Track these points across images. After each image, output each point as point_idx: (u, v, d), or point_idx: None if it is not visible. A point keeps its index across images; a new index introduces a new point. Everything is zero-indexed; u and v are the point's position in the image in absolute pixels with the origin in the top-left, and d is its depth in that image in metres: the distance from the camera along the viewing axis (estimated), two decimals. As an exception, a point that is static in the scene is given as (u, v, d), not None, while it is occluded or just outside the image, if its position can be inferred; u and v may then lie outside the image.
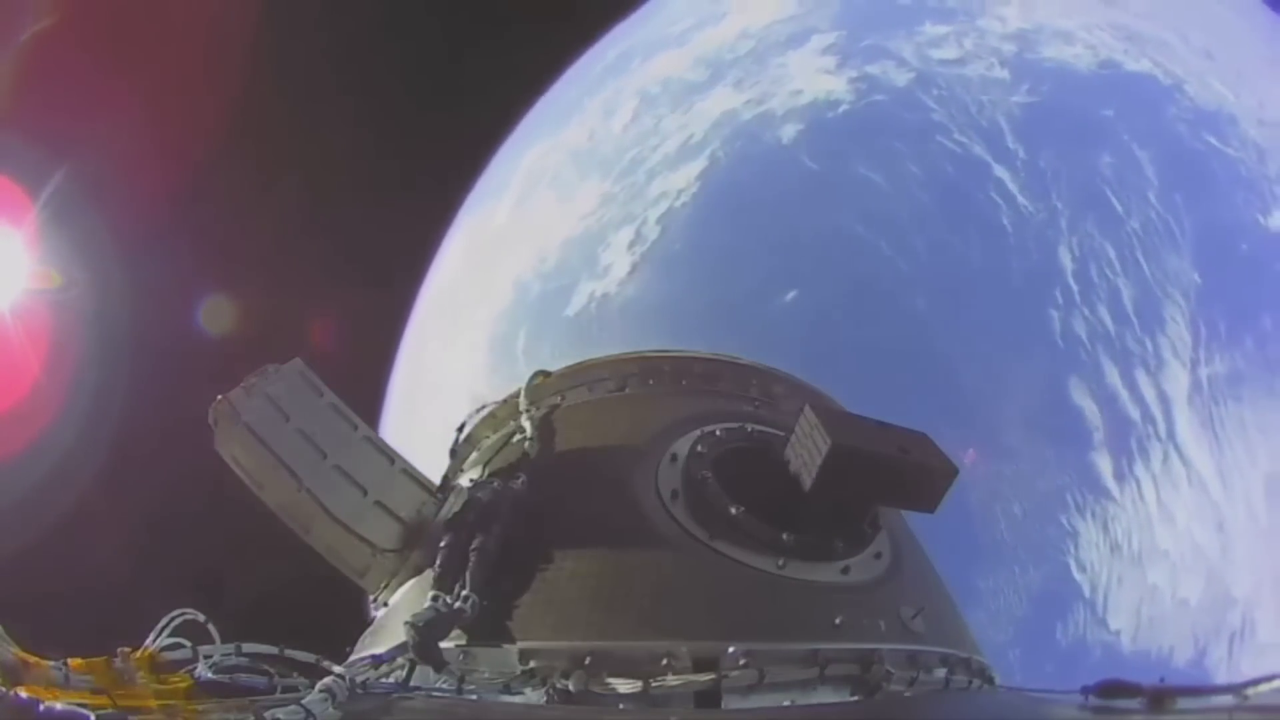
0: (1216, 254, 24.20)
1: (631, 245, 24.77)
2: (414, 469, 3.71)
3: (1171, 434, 22.69)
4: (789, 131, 25.05)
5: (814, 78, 25.92)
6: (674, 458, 2.99)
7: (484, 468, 3.63)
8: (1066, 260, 23.60)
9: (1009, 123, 24.90)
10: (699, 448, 3.01)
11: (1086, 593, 21.48)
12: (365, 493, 3.42)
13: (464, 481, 3.57)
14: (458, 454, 4.25)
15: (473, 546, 2.61)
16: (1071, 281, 23.41)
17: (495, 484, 3.03)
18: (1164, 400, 22.88)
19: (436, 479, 3.74)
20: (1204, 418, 22.73)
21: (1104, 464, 22.28)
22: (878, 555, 2.77)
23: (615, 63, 29.79)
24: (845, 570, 2.59)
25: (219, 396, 3.27)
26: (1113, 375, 22.87)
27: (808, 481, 2.54)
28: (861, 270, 22.95)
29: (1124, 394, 22.78)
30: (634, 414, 3.56)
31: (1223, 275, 24.09)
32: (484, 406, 4.31)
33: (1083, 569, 21.65)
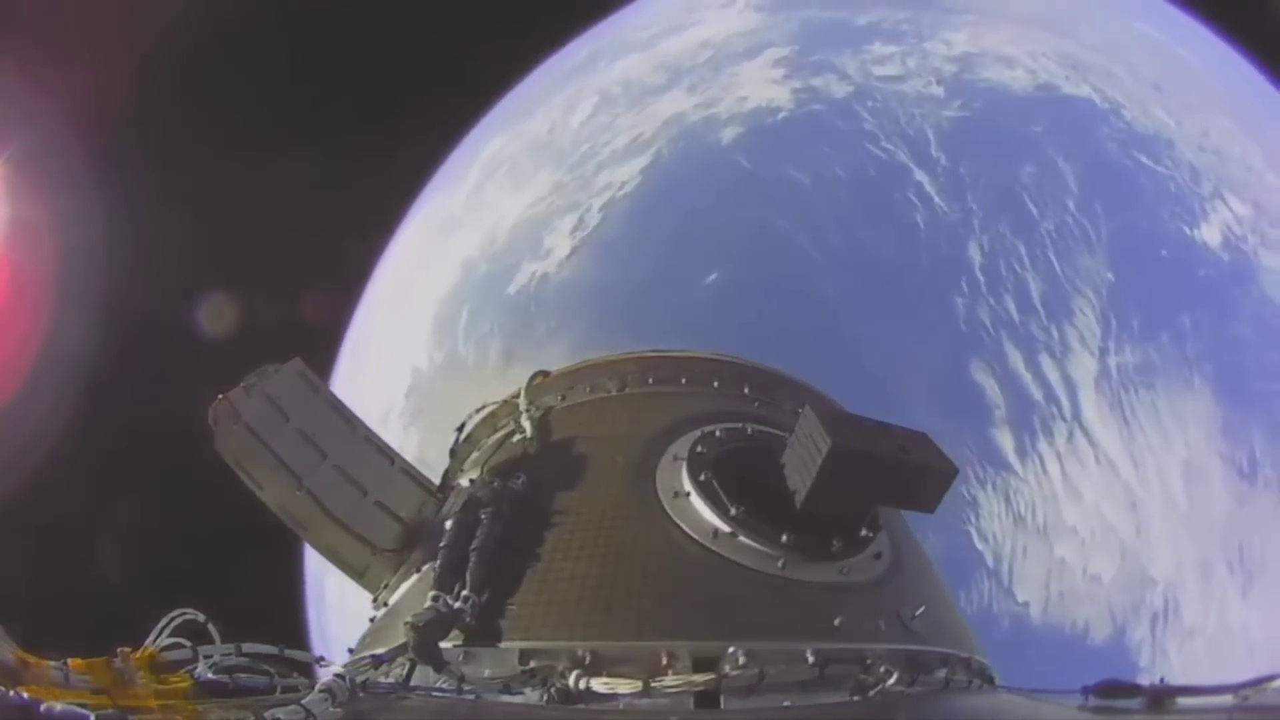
0: (1134, 258, 25.37)
1: (574, 230, 26.86)
2: (414, 469, 3.72)
3: (1077, 415, 23.53)
4: (730, 133, 27.31)
5: (761, 86, 28.13)
6: (674, 458, 2.99)
7: (484, 468, 3.63)
8: (975, 255, 25.01)
9: (936, 134, 26.72)
10: (699, 448, 3.01)
11: (990, 563, 22.24)
12: (365, 493, 3.42)
13: (464, 481, 3.56)
14: (458, 454, 4.25)
15: (473, 546, 2.61)
16: (979, 274, 24.76)
17: (495, 483, 3.02)
18: (1069, 384, 23.80)
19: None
20: (1112, 402, 23.60)
21: (1005, 440, 23.19)
22: (878, 555, 2.77)
23: (584, 62, 32.03)
24: (845, 570, 2.59)
25: (219, 396, 3.27)
26: (1016, 359, 23.94)
27: (808, 482, 2.54)
28: (779, 258, 24.87)
29: (1027, 376, 23.81)
30: (634, 414, 3.56)
31: (1140, 276, 25.23)
32: (484, 406, 4.31)
33: (985, 539, 22.49)
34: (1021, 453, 22.98)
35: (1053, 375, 23.87)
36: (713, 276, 24.53)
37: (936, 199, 25.64)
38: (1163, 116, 27.26)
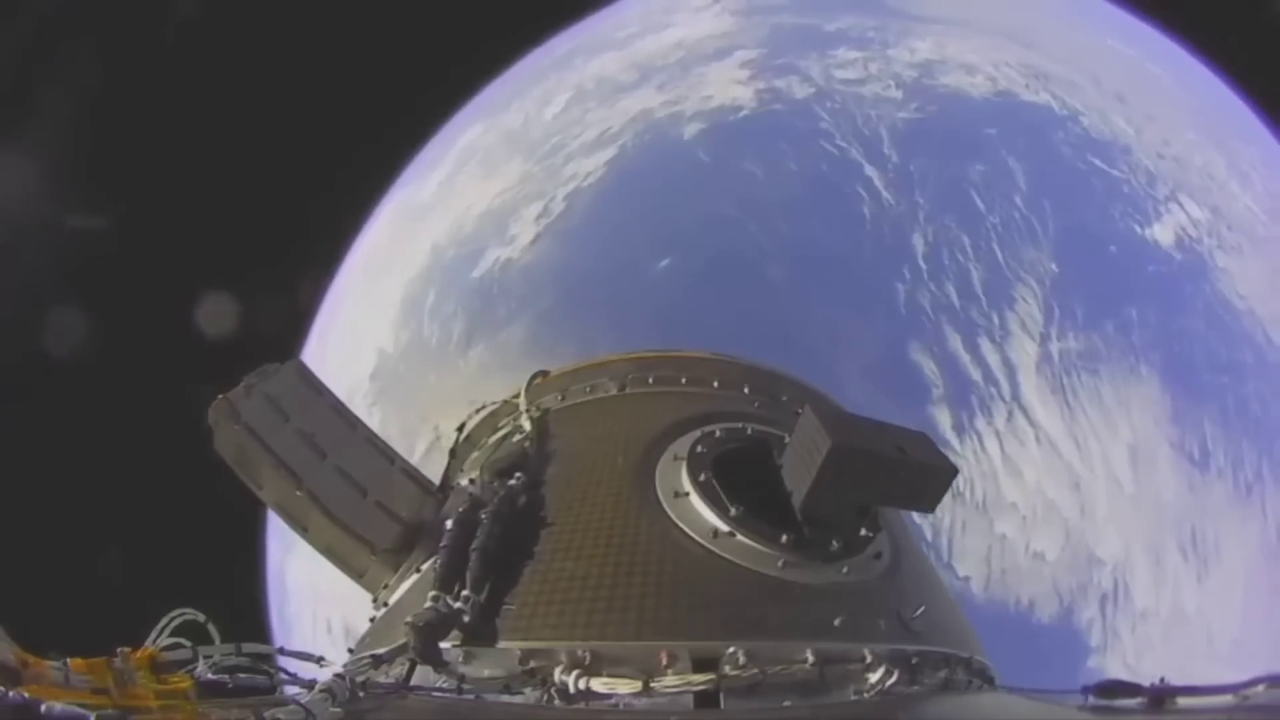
0: (1081, 252, 26.10)
1: (539, 218, 28.23)
2: (414, 469, 3.72)
3: (1016, 396, 24.09)
4: (692, 129, 28.77)
5: (726, 86, 29.64)
6: (674, 458, 2.99)
7: (484, 468, 3.63)
8: (919, 244, 25.89)
9: (890, 133, 27.86)
10: (699, 448, 3.01)
11: (929, 536, 22.32)
12: (365, 493, 3.42)
13: (464, 481, 3.57)
14: (458, 454, 4.25)
15: (473, 546, 2.61)
16: (921, 262, 25.63)
17: (495, 484, 3.02)
18: (1009, 366, 24.43)
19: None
20: (1054, 385, 24.10)
21: (943, 417, 23.74)
22: (877, 555, 2.77)
23: (562, 58, 33.94)
24: (845, 571, 2.60)
25: (219, 396, 3.27)
26: (955, 341, 24.57)
27: (807, 482, 2.54)
28: (728, 245, 26.27)
29: (965, 358, 24.42)
30: (633, 414, 3.56)
31: (1086, 269, 25.91)
32: (484, 406, 4.31)
33: (921, 514, 22.70)
34: (959, 430, 23.59)
35: (992, 358, 24.59)
36: (665, 261, 26.03)
37: (884, 193, 26.80)
38: (1122, 125, 28.25)
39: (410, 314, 28.26)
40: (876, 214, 26.39)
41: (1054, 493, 22.74)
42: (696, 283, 25.40)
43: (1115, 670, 21.02)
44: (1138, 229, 25.89)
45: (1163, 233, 25.94)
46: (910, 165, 27.17)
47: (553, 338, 24.24)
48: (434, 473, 3.98)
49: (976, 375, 24.13)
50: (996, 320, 24.84)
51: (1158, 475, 22.72)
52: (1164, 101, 29.91)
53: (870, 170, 27.11)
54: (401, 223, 31.83)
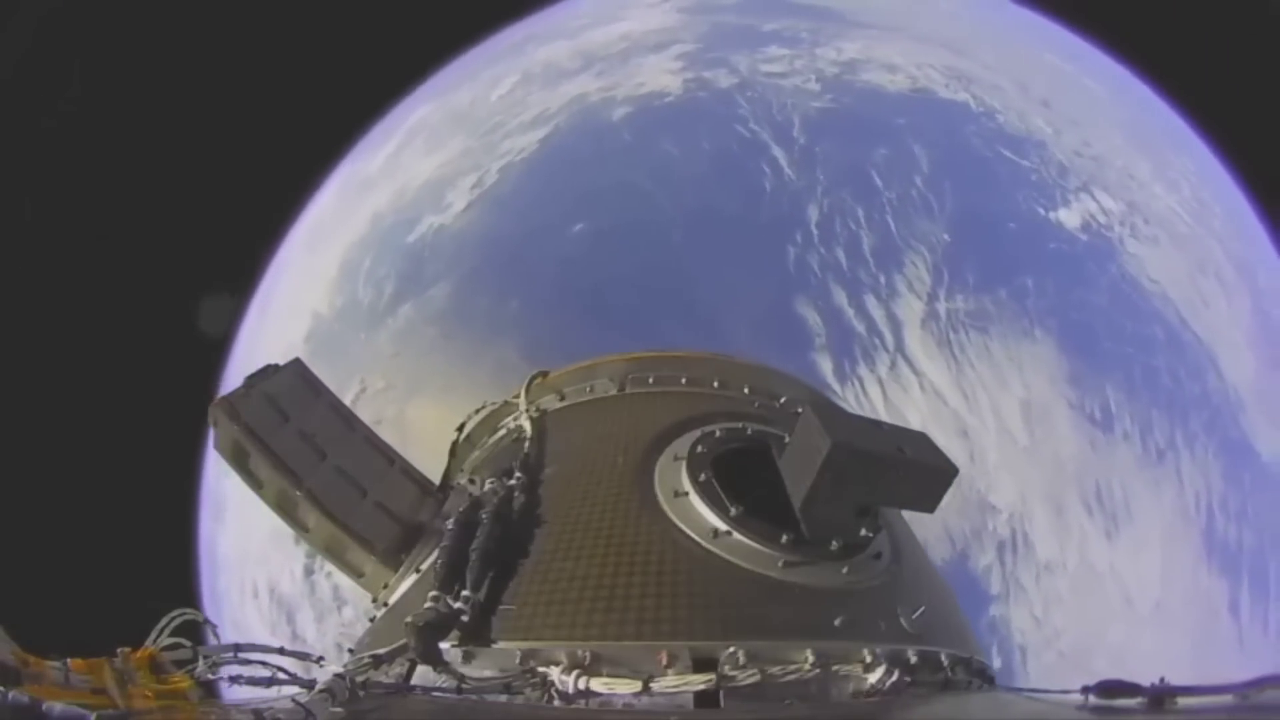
0: (977, 226, 27.07)
1: (473, 188, 30.42)
2: (414, 469, 3.73)
3: (900, 347, 24.94)
4: (620, 112, 31.08)
5: (658, 75, 31.94)
6: (674, 458, 2.99)
7: (483, 468, 3.63)
8: (813, 214, 27.34)
9: (801, 119, 29.67)
10: (699, 448, 3.01)
11: None
12: (365, 493, 3.43)
13: (464, 481, 3.57)
14: (457, 454, 4.25)
15: (473, 546, 2.61)
16: (813, 229, 27.08)
17: (495, 484, 3.03)
18: (894, 321, 25.41)
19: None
20: (940, 340, 24.91)
21: (825, 363, 24.62)
22: (878, 555, 2.77)
23: (517, 44, 36.78)
24: (845, 571, 2.60)
25: (218, 396, 3.27)
26: (840, 297, 25.71)
27: (807, 482, 2.54)
28: (637, 212, 28.65)
29: (850, 312, 25.53)
30: (633, 414, 3.56)
31: (980, 240, 26.93)
32: (483, 406, 4.31)
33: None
34: (841, 376, 24.41)
35: (877, 314, 25.56)
36: (579, 226, 28.28)
37: (787, 170, 28.56)
38: (1041, 124, 29.41)
39: (347, 279, 30.04)
40: (777, 188, 28.28)
41: (941, 439, 22.94)
42: (605, 244, 27.70)
43: (1022, 619, 21.54)
44: (1041, 211, 26.80)
45: (1069, 217, 26.78)
46: (816, 147, 28.95)
47: (471, 293, 26.63)
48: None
49: (860, 327, 25.23)
50: (883, 280, 25.90)
51: (1055, 431, 23.19)
52: (1093, 110, 31.08)
53: (777, 151, 28.93)
54: (346, 195, 33.89)
